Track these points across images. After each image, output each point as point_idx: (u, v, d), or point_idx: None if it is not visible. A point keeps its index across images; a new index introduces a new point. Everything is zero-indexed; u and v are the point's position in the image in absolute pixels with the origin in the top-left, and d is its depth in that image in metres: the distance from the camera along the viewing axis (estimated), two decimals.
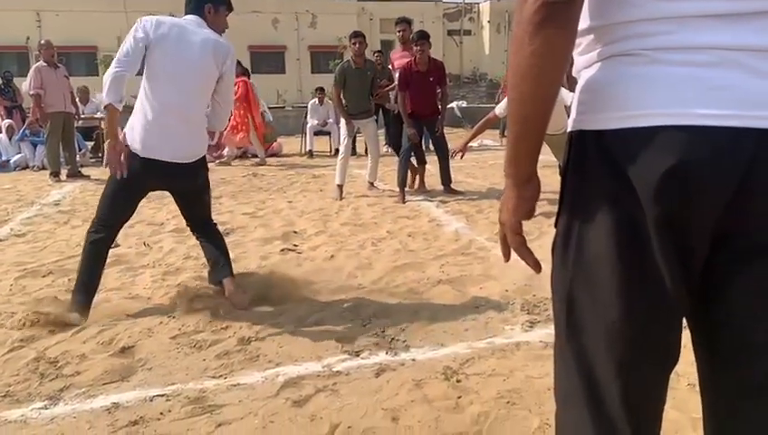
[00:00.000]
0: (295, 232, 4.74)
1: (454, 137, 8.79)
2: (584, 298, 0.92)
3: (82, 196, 6.68)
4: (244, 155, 10.17)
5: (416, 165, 6.46)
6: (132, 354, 2.54)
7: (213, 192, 3.41)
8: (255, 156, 9.89)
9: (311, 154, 10.43)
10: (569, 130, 0.95)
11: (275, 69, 26.20)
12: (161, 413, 2.05)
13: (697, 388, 0.98)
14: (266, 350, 2.55)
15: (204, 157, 3.08)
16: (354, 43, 6.10)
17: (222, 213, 5.36)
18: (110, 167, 2.81)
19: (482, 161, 9.11)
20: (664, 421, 0.97)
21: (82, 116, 9.57)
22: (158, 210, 5.45)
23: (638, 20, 0.83)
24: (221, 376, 2.33)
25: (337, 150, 7.32)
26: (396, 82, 6.65)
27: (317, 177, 7.94)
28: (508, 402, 2.07)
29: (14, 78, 11.10)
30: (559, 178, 0.98)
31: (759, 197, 0.80)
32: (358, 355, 2.49)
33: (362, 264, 3.80)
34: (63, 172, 8.06)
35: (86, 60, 22.75)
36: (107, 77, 2.70)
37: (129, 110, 2.89)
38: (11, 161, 9.23)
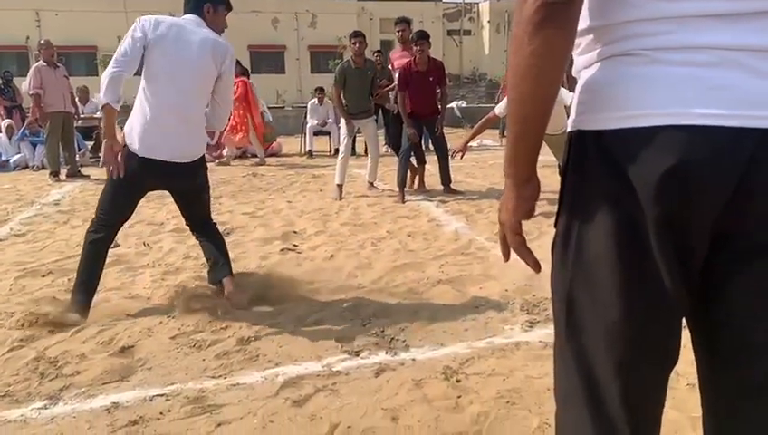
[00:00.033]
0: (295, 232, 4.74)
1: (453, 137, 8.79)
2: (584, 298, 0.92)
3: (82, 195, 6.68)
4: (243, 155, 10.16)
5: (415, 165, 6.45)
6: (132, 354, 2.54)
7: (212, 192, 3.41)
8: (255, 156, 9.88)
9: (310, 154, 10.43)
10: (568, 130, 0.95)
11: (275, 69, 26.25)
12: (161, 413, 2.05)
13: (697, 388, 0.98)
14: (266, 350, 2.55)
15: (203, 156, 3.08)
16: (354, 43, 6.10)
17: (222, 213, 5.36)
18: (106, 167, 2.81)
19: (481, 161, 9.11)
20: (663, 421, 0.98)
21: (82, 116, 9.57)
22: (158, 210, 5.45)
23: (638, 20, 0.83)
24: (220, 376, 2.32)
25: (337, 150, 7.33)
26: (395, 82, 6.65)
27: (317, 177, 7.94)
28: (508, 402, 2.06)
29: (14, 78, 11.08)
30: (559, 178, 0.98)
31: (759, 197, 0.80)
32: (357, 355, 2.49)
33: (362, 264, 3.80)
34: (63, 172, 8.06)
35: (86, 60, 22.78)
36: (104, 77, 2.70)
37: (127, 110, 2.89)
38: (11, 161, 9.23)
